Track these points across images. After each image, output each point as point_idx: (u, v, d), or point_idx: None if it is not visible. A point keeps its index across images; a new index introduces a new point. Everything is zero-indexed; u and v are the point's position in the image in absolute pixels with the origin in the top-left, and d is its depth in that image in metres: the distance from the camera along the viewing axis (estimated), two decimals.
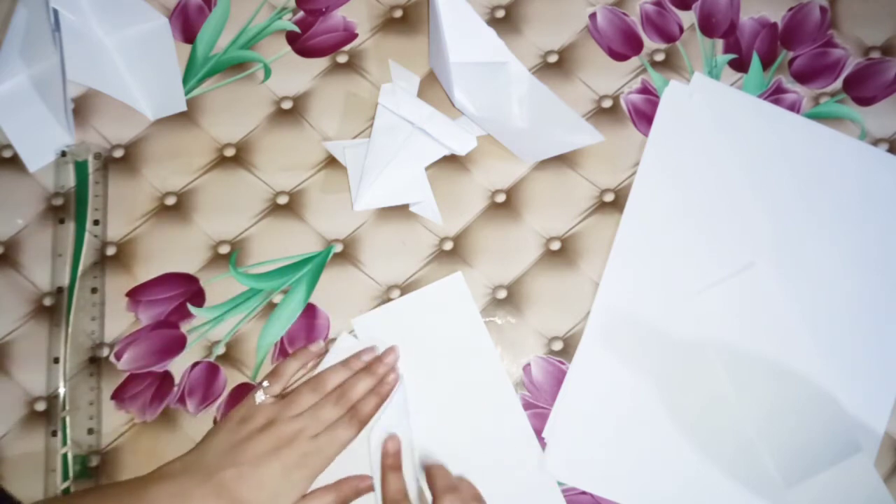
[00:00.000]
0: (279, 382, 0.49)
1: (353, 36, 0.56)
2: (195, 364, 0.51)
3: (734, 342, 0.50)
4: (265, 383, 0.49)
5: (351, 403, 0.48)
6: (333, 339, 0.52)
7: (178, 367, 0.51)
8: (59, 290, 0.52)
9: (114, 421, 0.50)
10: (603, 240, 0.53)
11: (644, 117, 0.55)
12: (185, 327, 0.52)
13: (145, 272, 0.52)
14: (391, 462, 0.48)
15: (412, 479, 0.48)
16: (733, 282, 0.51)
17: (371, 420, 0.48)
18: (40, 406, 0.50)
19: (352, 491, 0.48)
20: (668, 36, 0.56)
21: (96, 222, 0.53)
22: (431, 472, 0.47)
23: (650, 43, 0.56)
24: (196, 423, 0.50)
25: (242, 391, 0.51)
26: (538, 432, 0.50)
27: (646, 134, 0.54)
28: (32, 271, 0.52)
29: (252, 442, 0.45)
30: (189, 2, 0.57)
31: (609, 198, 0.54)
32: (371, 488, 0.48)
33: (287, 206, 0.54)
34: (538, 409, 0.51)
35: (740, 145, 0.54)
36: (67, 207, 0.53)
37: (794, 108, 0.55)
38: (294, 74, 0.56)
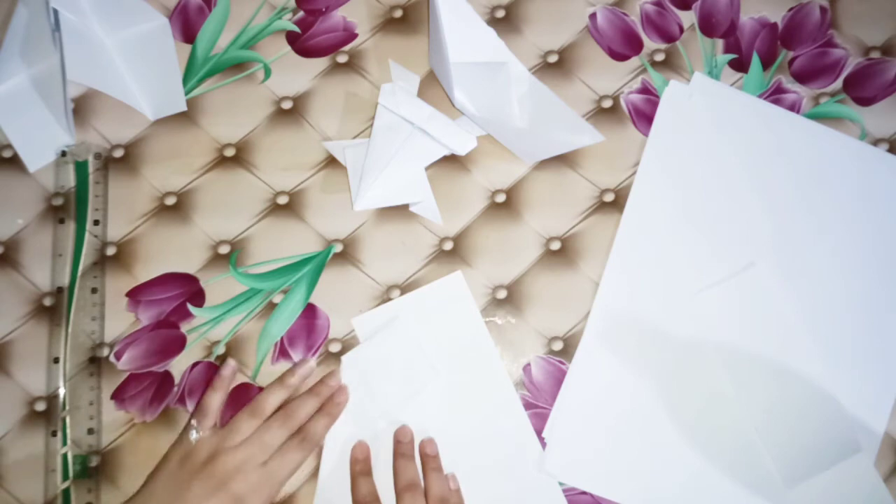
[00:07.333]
0: (208, 418, 0.47)
1: (353, 36, 0.56)
2: (195, 364, 0.51)
3: (734, 342, 0.50)
4: (193, 422, 0.47)
5: (298, 424, 0.47)
6: (332, 340, 0.52)
7: (178, 367, 0.51)
8: (59, 290, 0.52)
9: (114, 421, 0.50)
10: (603, 240, 0.53)
11: (644, 117, 0.55)
12: (184, 327, 0.52)
13: (145, 272, 0.52)
14: (360, 468, 0.47)
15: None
16: (733, 282, 0.51)
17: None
18: (40, 406, 0.50)
19: None
20: (668, 36, 0.56)
21: (96, 222, 0.53)
22: (395, 467, 0.47)
23: (650, 43, 0.56)
24: None
25: (242, 391, 0.51)
26: (538, 432, 0.50)
27: (646, 134, 0.54)
28: (32, 271, 0.52)
29: (196, 481, 0.43)
30: (189, 2, 0.57)
31: (609, 198, 0.54)
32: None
33: (287, 206, 0.54)
34: (538, 409, 0.51)
35: (740, 145, 0.54)
36: (67, 207, 0.53)
37: (794, 108, 0.55)
38: (294, 74, 0.56)
